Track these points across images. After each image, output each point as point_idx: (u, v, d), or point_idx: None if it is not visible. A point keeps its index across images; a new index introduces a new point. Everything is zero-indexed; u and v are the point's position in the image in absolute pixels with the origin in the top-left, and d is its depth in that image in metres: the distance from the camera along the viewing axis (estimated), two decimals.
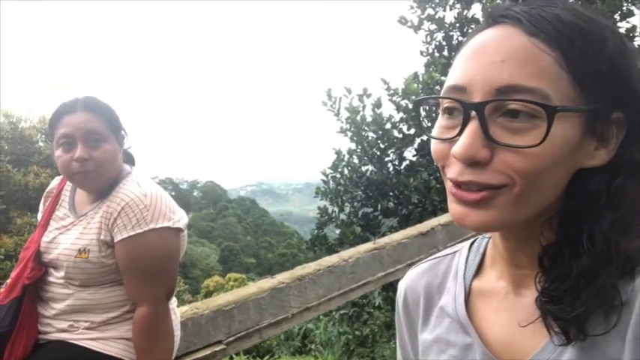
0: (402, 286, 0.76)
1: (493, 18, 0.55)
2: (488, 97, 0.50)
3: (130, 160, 1.62)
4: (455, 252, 0.73)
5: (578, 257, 0.51)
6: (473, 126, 0.51)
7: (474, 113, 0.51)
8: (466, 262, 0.69)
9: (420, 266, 0.76)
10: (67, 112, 1.43)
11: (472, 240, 0.71)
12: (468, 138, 0.51)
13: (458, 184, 0.53)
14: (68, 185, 1.57)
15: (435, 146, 0.57)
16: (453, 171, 0.54)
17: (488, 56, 0.51)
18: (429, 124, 5.33)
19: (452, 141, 0.54)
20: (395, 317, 0.77)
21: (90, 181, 1.45)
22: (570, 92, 0.50)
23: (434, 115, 5.33)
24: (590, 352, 0.51)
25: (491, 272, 0.65)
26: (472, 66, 0.52)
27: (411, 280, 0.75)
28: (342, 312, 6.04)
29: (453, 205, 0.56)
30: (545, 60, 0.49)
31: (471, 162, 0.51)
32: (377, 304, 5.82)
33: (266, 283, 2.08)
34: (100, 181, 1.45)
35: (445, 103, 0.55)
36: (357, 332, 6.37)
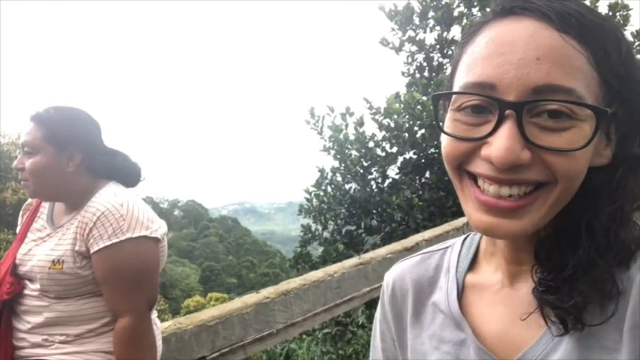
0: (389, 278, 0.73)
1: (510, 9, 0.52)
2: (524, 95, 0.48)
3: (110, 175, 1.52)
4: (447, 247, 0.71)
5: (576, 248, 0.51)
6: (509, 126, 0.48)
7: (508, 112, 0.48)
8: (458, 258, 0.68)
9: (410, 260, 0.73)
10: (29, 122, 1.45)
11: (465, 235, 0.70)
12: (507, 140, 0.48)
13: (495, 181, 0.50)
14: None
15: (452, 144, 0.54)
16: (487, 168, 0.51)
17: (520, 52, 0.48)
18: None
19: (479, 141, 0.51)
20: (378, 309, 0.74)
21: (29, 190, 1.45)
22: (598, 92, 0.49)
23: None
24: (586, 342, 0.50)
25: (486, 267, 0.64)
26: (502, 62, 0.49)
27: (399, 273, 0.72)
28: (325, 331, 5.98)
29: (478, 215, 0.52)
30: (578, 59, 0.48)
31: (512, 167, 0.48)
32: (360, 322, 5.78)
33: (251, 298, 2.05)
34: (38, 191, 1.44)
35: (472, 101, 0.52)
36: (340, 352, 6.30)
